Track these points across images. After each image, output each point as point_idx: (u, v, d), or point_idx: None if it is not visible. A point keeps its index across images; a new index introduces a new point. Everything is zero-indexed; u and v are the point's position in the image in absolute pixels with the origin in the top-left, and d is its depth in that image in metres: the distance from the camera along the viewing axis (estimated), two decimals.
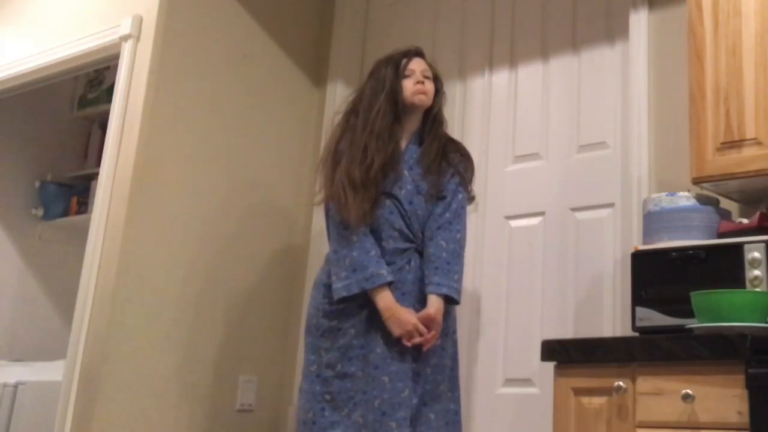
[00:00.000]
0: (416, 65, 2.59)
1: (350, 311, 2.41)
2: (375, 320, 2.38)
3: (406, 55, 2.61)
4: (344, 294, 2.38)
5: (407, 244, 2.46)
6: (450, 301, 2.44)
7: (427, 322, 2.36)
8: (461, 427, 2.46)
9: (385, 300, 2.37)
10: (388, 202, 2.46)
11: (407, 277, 2.43)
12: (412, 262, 2.45)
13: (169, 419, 2.90)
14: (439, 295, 2.40)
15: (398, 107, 2.52)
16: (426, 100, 2.56)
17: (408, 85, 2.55)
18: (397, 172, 2.48)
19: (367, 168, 2.42)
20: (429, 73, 2.60)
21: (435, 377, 2.42)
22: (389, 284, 2.39)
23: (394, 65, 2.58)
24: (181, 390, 2.95)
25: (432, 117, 2.60)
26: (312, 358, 2.45)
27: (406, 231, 2.46)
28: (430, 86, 2.58)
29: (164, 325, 2.93)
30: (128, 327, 2.85)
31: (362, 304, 2.40)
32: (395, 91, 2.53)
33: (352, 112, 2.58)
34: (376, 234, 2.45)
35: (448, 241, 2.45)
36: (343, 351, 2.39)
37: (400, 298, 2.40)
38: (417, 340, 2.35)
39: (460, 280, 2.45)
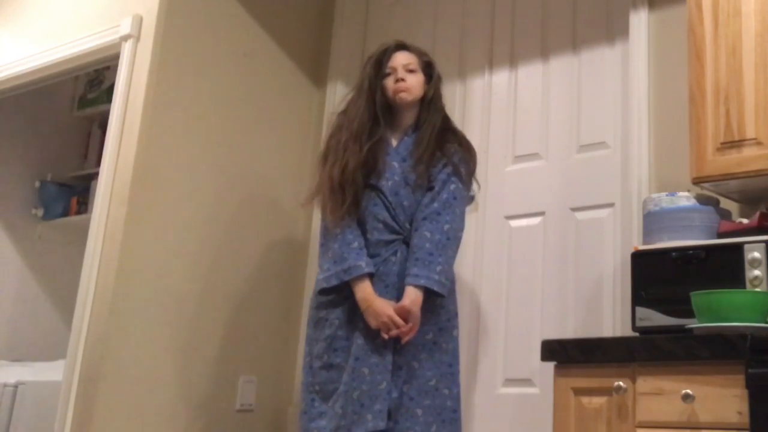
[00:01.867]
0: (397, 60, 2.56)
1: (336, 302, 2.42)
2: (358, 312, 2.38)
3: (386, 52, 2.58)
4: (324, 285, 2.41)
5: (393, 236, 2.45)
6: (432, 294, 2.39)
7: (403, 314, 2.34)
8: (460, 425, 2.43)
9: (362, 291, 2.37)
10: (372, 194, 2.46)
11: (392, 269, 2.42)
12: (399, 254, 2.43)
13: (169, 419, 2.90)
14: (417, 286, 2.36)
15: (377, 106, 2.52)
16: (407, 97, 2.53)
17: (389, 85, 2.54)
18: (380, 167, 2.46)
19: (342, 169, 2.43)
20: (413, 66, 2.56)
21: (424, 372, 2.39)
22: (370, 276, 2.38)
23: (375, 63, 2.57)
24: (181, 390, 2.95)
25: (426, 104, 2.57)
26: (307, 350, 2.49)
27: (391, 222, 2.45)
28: (413, 81, 2.54)
29: (164, 325, 2.93)
30: (128, 327, 2.85)
31: (347, 295, 2.40)
32: (373, 91, 2.53)
33: (344, 111, 2.59)
34: (361, 226, 2.45)
35: (433, 231, 2.40)
36: (328, 342, 2.40)
37: (383, 290, 2.39)
38: (394, 332, 2.33)
39: (444, 272, 2.39)
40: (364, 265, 2.38)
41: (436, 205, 2.44)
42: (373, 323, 2.34)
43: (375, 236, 2.44)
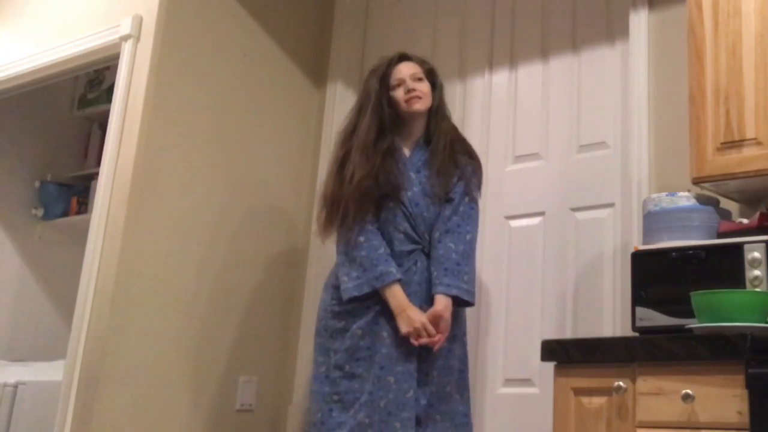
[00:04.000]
0: (404, 71, 2.57)
1: (357, 312, 2.42)
2: (381, 321, 2.40)
3: (390, 63, 2.58)
4: (355, 294, 2.40)
5: (413, 246, 2.48)
6: (460, 303, 2.45)
7: (436, 320, 2.37)
8: (472, 429, 2.47)
9: (396, 297, 2.38)
10: (391, 204, 2.48)
11: (413, 278, 2.45)
12: (419, 264, 2.47)
13: (169, 419, 2.90)
14: (448, 295, 2.40)
15: (386, 119, 2.51)
16: (421, 106, 2.54)
17: (400, 96, 2.54)
18: (399, 179, 2.48)
19: (361, 180, 2.43)
20: (420, 74, 2.58)
21: (441, 379, 2.43)
22: (399, 282, 2.40)
23: (380, 77, 2.56)
24: (181, 390, 2.95)
25: (434, 113, 2.59)
26: (321, 360, 2.47)
27: (412, 233, 2.48)
28: (424, 88, 2.56)
29: (164, 325, 2.93)
30: (128, 327, 2.85)
31: (369, 305, 2.42)
32: (381, 104, 2.52)
33: (353, 126, 2.56)
34: (383, 238, 2.46)
35: (457, 243, 2.46)
36: (350, 352, 2.40)
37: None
38: (424, 340, 2.36)
39: (471, 282, 2.46)
40: (395, 271, 2.40)
41: (456, 217, 2.49)
42: (404, 328, 2.36)
43: (396, 247, 2.46)
